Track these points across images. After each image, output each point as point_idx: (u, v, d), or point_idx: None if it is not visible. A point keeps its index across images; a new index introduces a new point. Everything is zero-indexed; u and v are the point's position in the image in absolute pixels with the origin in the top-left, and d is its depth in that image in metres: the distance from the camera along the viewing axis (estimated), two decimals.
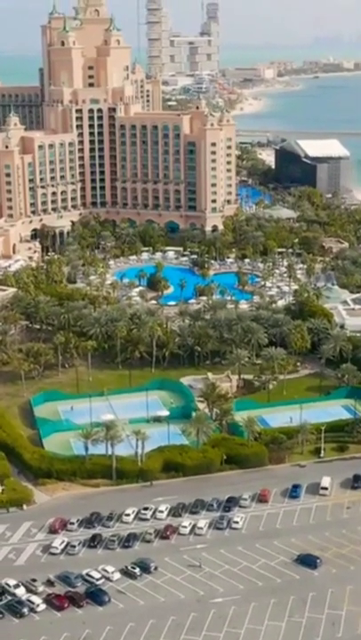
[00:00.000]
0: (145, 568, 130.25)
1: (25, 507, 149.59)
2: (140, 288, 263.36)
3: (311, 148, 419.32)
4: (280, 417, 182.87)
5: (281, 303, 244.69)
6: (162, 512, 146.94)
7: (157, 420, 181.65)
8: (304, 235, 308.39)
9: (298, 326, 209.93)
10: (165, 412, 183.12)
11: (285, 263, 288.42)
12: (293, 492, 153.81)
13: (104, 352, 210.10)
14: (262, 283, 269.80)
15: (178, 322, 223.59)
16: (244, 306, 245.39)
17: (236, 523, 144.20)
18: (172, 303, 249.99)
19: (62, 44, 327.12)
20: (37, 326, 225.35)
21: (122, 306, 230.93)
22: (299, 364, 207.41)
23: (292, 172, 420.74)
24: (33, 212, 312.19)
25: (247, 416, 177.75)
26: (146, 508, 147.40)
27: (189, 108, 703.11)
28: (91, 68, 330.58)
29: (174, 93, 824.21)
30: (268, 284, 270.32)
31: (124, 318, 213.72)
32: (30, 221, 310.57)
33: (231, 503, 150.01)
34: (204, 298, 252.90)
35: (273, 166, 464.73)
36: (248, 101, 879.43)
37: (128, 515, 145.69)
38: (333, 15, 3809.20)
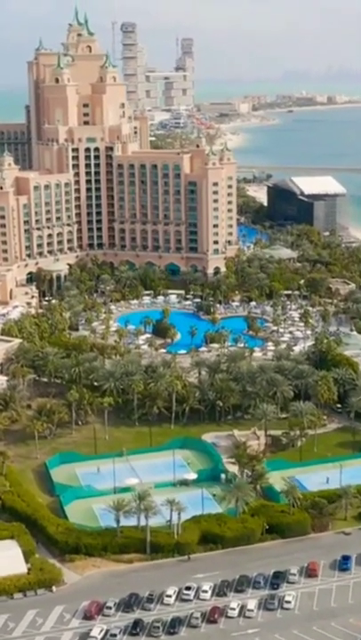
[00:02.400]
0: None
1: (54, 588, 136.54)
2: (147, 335, 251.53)
3: (307, 185, 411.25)
4: (315, 477, 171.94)
5: (297, 349, 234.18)
6: (205, 592, 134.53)
7: (185, 483, 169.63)
8: (310, 276, 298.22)
9: (324, 377, 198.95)
10: (193, 475, 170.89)
11: (293, 306, 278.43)
12: (343, 564, 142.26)
13: (119, 407, 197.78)
14: (273, 328, 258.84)
15: (193, 373, 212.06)
16: (257, 354, 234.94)
17: (288, 602, 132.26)
18: (183, 352, 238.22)
19: (56, 80, 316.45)
20: (45, 379, 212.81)
21: (134, 356, 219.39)
22: (325, 417, 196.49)
23: (286, 210, 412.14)
24: (28, 256, 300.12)
25: (281, 477, 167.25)
26: (188, 588, 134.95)
27: (169, 143, 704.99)
28: (86, 105, 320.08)
29: (152, 129, 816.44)
30: (279, 328, 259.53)
31: (139, 371, 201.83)
32: (26, 265, 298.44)
33: (279, 579, 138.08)
34: (216, 345, 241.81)
35: (265, 203, 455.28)
36: (227, 136, 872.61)
37: (169, 595, 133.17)
38: (301, 50, 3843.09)
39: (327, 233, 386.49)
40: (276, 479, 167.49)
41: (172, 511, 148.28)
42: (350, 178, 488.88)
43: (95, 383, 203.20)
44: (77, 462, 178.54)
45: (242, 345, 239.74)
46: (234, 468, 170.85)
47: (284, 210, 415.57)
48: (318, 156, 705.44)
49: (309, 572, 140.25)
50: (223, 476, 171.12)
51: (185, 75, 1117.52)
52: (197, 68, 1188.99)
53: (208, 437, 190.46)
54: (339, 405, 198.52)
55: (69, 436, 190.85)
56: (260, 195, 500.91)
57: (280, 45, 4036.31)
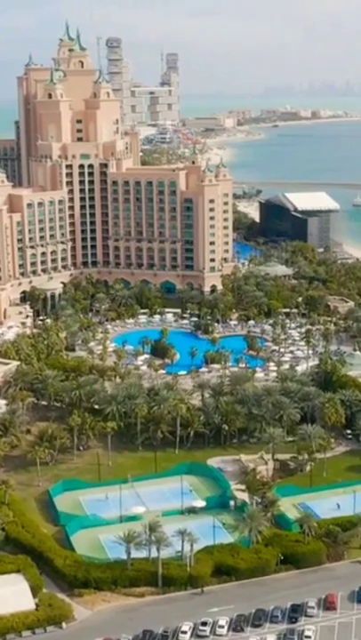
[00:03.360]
0: None
1: (65, 625, 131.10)
2: (146, 356, 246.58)
3: (300, 201, 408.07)
4: (326, 504, 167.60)
5: (300, 370, 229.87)
6: (222, 627, 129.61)
7: (193, 511, 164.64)
8: (308, 294, 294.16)
9: (331, 400, 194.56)
10: (201, 503, 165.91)
11: (293, 325, 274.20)
12: None
13: (121, 432, 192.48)
14: (274, 347, 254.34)
15: (196, 395, 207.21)
16: (259, 374, 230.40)
17: (308, 637, 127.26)
18: (183, 372, 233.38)
19: (49, 96, 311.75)
20: (44, 402, 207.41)
21: (133, 378, 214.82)
22: (332, 440, 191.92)
23: (279, 226, 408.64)
24: (22, 274, 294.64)
25: (292, 504, 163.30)
26: (204, 624, 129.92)
27: (156, 158, 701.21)
28: (79, 121, 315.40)
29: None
30: (280, 348, 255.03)
31: (141, 394, 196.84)
32: (19, 284, 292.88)
33: (297, 612, 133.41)
34: (216, 366, 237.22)
35: (256, 219, 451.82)
36: (213, 151, 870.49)
37: (185, 632, 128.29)
38: (283, 65, 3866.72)
39: (321, 249, 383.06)
40: (287, 506, 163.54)
41: (183, 542, 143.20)
42: (340, 193, 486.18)
43: (96, 406, 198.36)
44: (81, 489, 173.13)
45: (243, 365, 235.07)
46: (242, 494, 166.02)
47: (277, 226, 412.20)
48: (306, 171, 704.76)
49: (328, 605, 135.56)
50: (232, 502, 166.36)
51: (170, 90, 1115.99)
52: (181, 82, 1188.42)
53: (214, 462, 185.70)
54: (349, 432, 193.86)
55: (71, 462, 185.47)
56: (250, 210, 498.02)
57: (263, 60, 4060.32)
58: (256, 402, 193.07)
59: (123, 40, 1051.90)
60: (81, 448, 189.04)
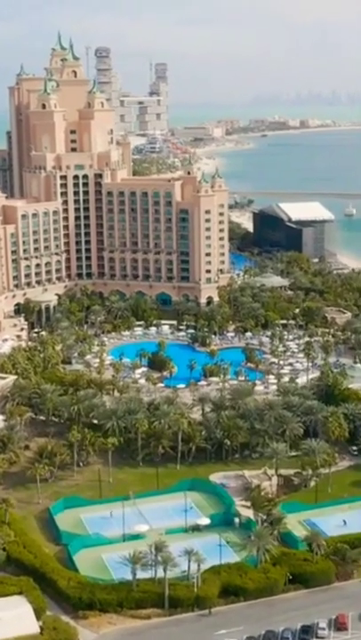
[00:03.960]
0: None
1: None
2: (144, 369, 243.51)
3: (295, 211, 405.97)
4: (332, 520, 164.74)
5: (300, 382, 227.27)
6: None
7: (197, 529, 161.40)
8: (305, 305, 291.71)
9: (334, 414, 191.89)
10: (205, 520, 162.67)
11: (290, 337, 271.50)
12: None
13: (121, 447, 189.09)
14: (272, 360, 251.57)
15: (196, 409, 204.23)
16: (258, 387, 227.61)
17: None
18: (182, 386, 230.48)
19: (43, 106, 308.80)
20: (42, 417, 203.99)
21: (132, 392, 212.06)
22: (336, 455, 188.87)
23: (273, 237, 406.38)
24: (16, 286, 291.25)
25: (298, 521, 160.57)
26: None
27: (146, 168, 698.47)
28: (73, 132, 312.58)
29: None
30: (280, 360, 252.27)
31: (141, 409, 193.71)
32: (14, 295, 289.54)
33: (308, 634, 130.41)
34: (215, 379, 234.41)
35: (249, 229, 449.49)
36: (203, 161, 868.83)
37: None
38: (271, 75, 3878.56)
39: (316, 260, 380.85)
40: (293, 523, 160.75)
41: (190, 562, 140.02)
42: (331, 202, 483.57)
43: (95, 421, 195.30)
44: (82, 507, 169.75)
45: (243, 378, 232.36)
46: (246, 511, 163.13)
47: (270, 236, 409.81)
48: (297, 180, 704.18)
49: (339, 626, 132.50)
50: (237, 520, 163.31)
51: (159, 99, 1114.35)
52: (170, 92, 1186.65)
53: (216, 478, 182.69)
54: (355, 448, 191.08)
55: (71, 479, 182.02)
56: (242, 221, 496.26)
57: (250, 70, 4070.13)
58: (258, 416, 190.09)
59: (111, 49, 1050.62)
60: (81, 464, 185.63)
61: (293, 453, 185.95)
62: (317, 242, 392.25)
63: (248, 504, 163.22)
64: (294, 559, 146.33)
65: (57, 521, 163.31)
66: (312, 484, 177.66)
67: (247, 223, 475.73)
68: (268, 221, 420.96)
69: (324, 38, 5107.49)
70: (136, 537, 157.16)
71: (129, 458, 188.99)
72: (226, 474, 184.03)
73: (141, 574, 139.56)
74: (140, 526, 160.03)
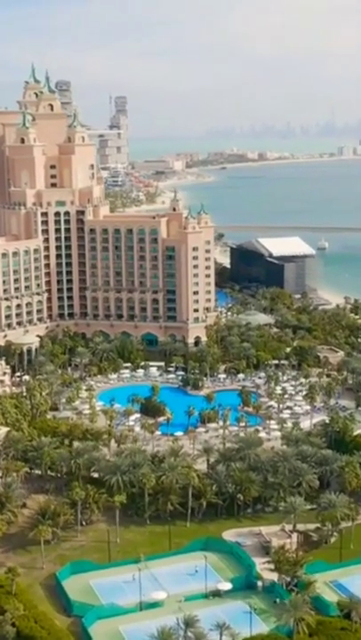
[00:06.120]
0: None
1: None
2: (137, 415, 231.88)
3: (275, 246, 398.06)
4: (359, 580, 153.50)
5: (304, 426, 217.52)
6: None
7: (217, 594, 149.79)
8: (297, 344, 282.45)
9: (350, 463, 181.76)
10: (227, 585, 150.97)
11: (284, 378, 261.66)
12: None
13: (126, 503, 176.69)
14: (270, 403, 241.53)
15: (201, 461, 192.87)
16: (261, 434, 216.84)
17: None
18: (179, 433, 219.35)
19: (22, 141, 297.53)
20: (38, 472, 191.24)
21: (129, 442, 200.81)
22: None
23: (253, 272, 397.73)
24: None
25: (324, 582, 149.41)
26: None
27: (111, 202, 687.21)
28: (53, 167, 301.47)
29: None
30: (274, 403, 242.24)
31: (146, 462, 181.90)
32: None
33: None
34: (214, 425, 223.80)
35: (224, 264, 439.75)
36: (167, 194, 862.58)
37: None
38: (224, 109, 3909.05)
39: (298, 296, 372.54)
40: (319, 585, 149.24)
41: (221, 636, 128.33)
42: (303, 236, 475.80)
43: (95, 475, 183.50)
44: (90, 572, 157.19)
45: (244, 424, 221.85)
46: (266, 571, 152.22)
47: (250, 272, 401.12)
48: (265, 213, 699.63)
49: None
50: (260, 583, 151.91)
51: (119, 132, 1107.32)
52: (129, 124, 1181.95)
53: (230, 535, 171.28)
54: None
55: (75, 540, 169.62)
56: (215, 255, 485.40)
57: (203, 103, 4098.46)
58: (272, 468, 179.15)
59: (71, 83, 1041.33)
60: (84, 523, 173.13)
61: (308, 507, 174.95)
62: (299, 277, 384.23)
63: (271, 566, 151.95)
64: (331, 628, 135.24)
65: (66, 588, 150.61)
66: (332, 540, 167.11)
67: (220, 258, 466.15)
68: (246, 256, 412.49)
69: (279, 73, 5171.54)
70: (154, 605, 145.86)
71: (134, 515, 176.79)
72: (239, 531, 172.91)
73: None
74: (158, 593, 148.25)
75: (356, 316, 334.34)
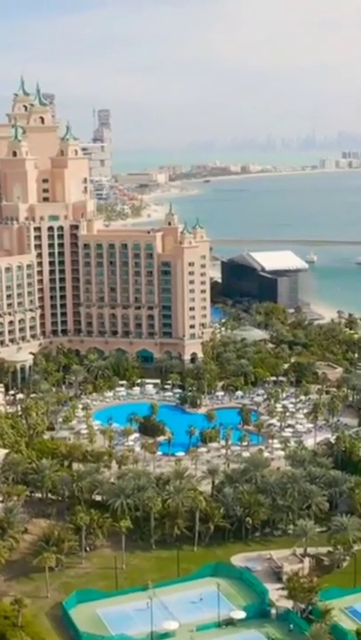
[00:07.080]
0: None
1: None
2: (136, 435, 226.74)
3: (267, 260, 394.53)
4: None
5: (307, 445, 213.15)
6: None
7: (231, 623, 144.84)
8: (296, 360, 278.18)
9: (359, 484, 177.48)
10: (241, 613, 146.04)
11: (283, 395, 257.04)
12: None
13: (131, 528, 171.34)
14: (271, 421, 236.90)
15: (206, 483, 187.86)
16: (264, 453, 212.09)
17: None
18: (181, 453, 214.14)
19: (14, 154, 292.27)
20: (39, 495, 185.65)
21: (130, 463, 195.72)
22: None
23: (245, 287, 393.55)
24: None
25: (340, 609, 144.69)
26: None
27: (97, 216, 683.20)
28: (45, 180, 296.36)
29: None
30: (275, 421, 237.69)
31: (150, 485, 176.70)
32: None
33: None
34: (215, 445, 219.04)
35: (215, 279, 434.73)
36: (152, 207, 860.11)
37: None
38: (205, 122, 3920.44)
39: (292, 310, 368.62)
40: (334, 612, 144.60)
41: None
42: (292, 250, 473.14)
43: (98, 498, 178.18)
44: (97, 600, 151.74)
45: (246, 444, 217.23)
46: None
47: (242, 286, 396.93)
48: (251, 227, 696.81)
49: None
50: (274, 611, 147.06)
51: (103, 145, 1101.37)
52: (112, 138, 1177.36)
53: (238, 560, 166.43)
54: None
55: (79, 567, 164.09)
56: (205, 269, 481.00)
57: (184, 116, 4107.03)
58: (281, 490, 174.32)
59: (55, 96, 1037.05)
60: (88, 549, 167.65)
61: (318, 529, 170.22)
62: (292, 292, 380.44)
63: (284, 592, 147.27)
64: None
65: (73, 619, 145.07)
66: (345, 564, 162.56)
67: (210, 272, 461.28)
68: (238, 271, 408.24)
69: (260, 86, 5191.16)
70: (165, 635, 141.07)
71: (139, 539, 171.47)
72: (248, 555, 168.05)
73: None
74: (169, 623, 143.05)
75: (352, 331, 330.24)
